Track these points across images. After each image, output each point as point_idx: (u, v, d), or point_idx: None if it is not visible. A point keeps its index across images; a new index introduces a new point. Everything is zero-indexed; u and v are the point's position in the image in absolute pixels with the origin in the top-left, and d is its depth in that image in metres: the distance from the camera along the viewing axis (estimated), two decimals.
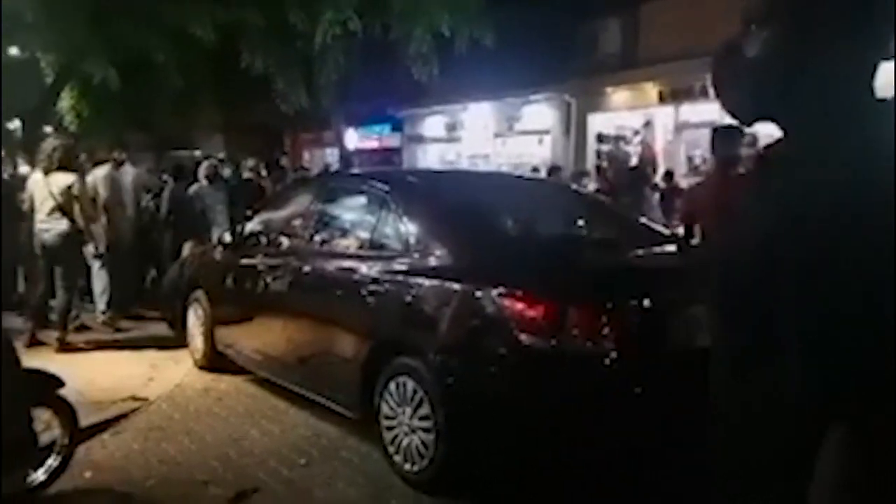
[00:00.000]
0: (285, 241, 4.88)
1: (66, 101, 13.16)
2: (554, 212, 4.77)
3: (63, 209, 5.85)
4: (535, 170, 11.93)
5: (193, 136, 12.05)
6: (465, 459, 3.42)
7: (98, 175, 6.75)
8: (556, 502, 3.46)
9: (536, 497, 3.41)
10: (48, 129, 10.79)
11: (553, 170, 10.33)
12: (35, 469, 3.34)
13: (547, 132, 15.28)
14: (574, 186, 7.28)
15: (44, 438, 3.33)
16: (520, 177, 7.86)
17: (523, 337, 3.14)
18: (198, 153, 9.88)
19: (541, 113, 15.34)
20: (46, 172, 5.93)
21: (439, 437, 3.38)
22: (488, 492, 3.63)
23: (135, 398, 4.77)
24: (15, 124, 8.22)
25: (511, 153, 15.86)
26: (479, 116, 16.71)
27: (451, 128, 17.91)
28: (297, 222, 4.94)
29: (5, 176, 7.11)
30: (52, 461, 3.42)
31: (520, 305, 3.18)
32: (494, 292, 3.26)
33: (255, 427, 4.36)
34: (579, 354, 3.14)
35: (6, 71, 8.72)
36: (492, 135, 16.54)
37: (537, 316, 3.16)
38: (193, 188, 7.68)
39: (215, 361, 5.36)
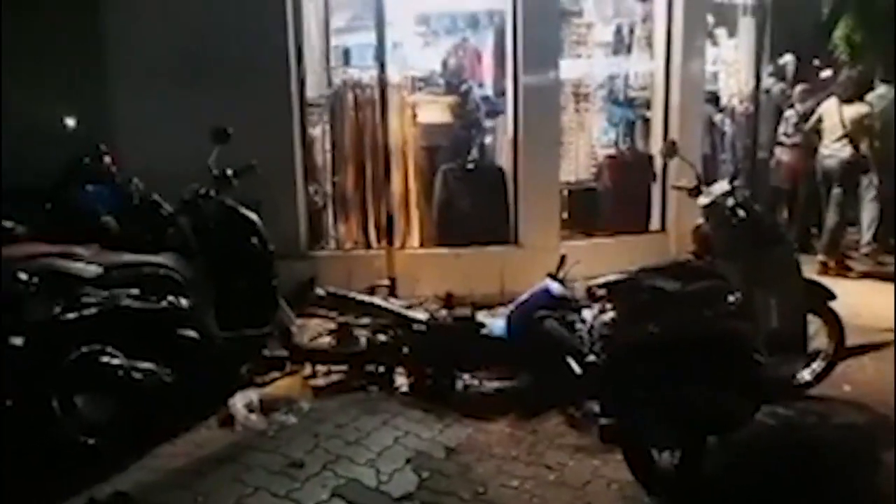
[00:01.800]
0: None
1: (839, 31, 13.03)
2: None
3: (850, 137, 6.03)
4: None
5: None
6: None
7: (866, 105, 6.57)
8: None
9: None
10: (817, 61, 10.95)
11: None
12: (803, 368, 3.74)
13: None
14: None
15: (814, 344, 3.68)
16: None
17: None
18: None
19: None
20: (842, 101, 6.18)
21: None
22: None
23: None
24: (786, 58, 8.63)
25: None
26: None
27: None
28: None
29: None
30: (816, 365, 3.77)
31: None
32: None
33: None
34: None
35: (782, 8, 9.06)
36: None
37: None
38: None
39: None
